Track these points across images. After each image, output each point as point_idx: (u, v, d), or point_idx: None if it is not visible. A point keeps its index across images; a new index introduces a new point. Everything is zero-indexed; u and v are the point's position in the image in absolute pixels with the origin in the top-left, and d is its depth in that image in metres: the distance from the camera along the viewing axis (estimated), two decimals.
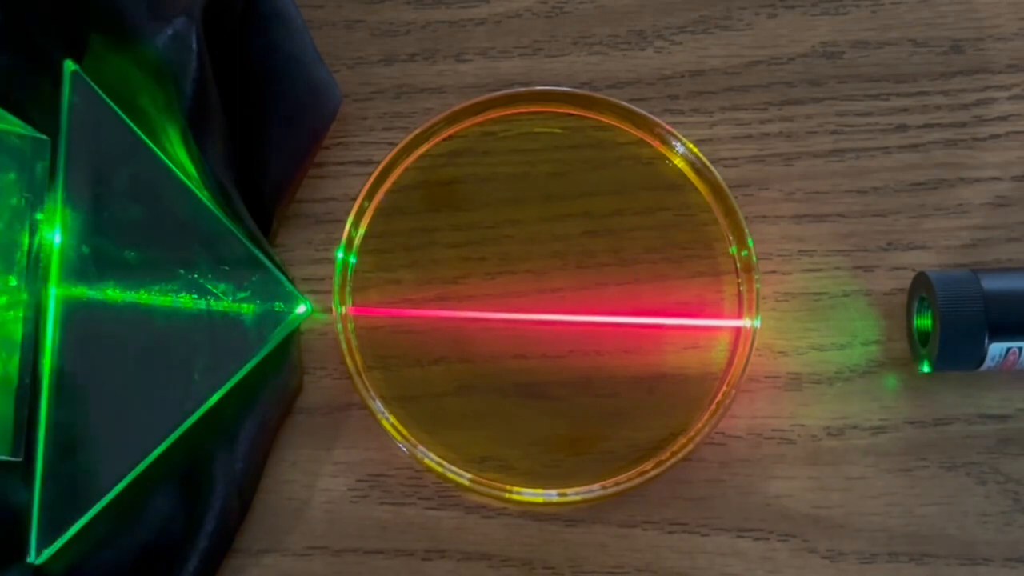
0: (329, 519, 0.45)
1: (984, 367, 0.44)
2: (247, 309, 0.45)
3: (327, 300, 0.46)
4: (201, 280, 0.44)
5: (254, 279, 0.45)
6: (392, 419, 0.44)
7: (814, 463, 0.45)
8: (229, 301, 0.44)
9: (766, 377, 0.46)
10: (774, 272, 0.47)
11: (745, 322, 0.45)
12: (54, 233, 0.44)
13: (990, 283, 0.43)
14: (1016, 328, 0.43)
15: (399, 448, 0.44)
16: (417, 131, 0.46)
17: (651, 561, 0.44)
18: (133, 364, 0.44)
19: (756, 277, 0.45)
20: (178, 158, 0.45)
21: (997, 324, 0.43)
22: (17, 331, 0.44)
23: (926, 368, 0.44)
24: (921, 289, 0.45)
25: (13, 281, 0.44)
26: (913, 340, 0.45)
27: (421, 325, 0.46)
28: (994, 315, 0.43)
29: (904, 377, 0.46)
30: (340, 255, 0.45)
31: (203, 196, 0.45)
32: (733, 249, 0.46)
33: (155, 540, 0.44)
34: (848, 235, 0.47)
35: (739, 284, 0.46)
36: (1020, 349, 0.43)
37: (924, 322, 0.45)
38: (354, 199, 0.46)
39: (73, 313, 0.44)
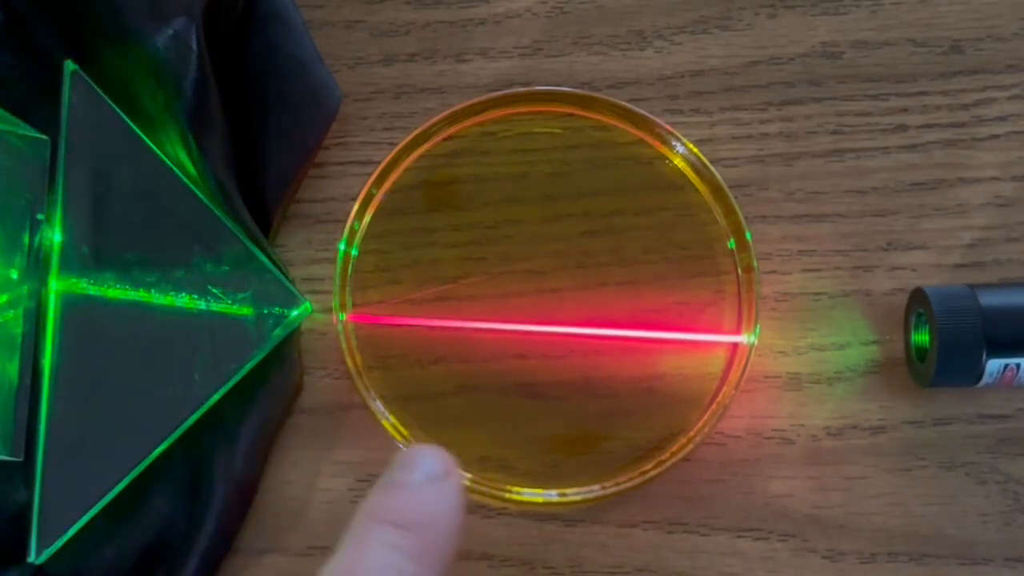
0: (329, 519, 0.45)
1: (982, 383, 0.43)
2: (247, 309, 0.45)
3: (327, 300, 0.46)
4: (201, 280, 0.44)
5: (254, 279, 0.45)
6: (392, 419, 0.44)
7: (814, 463, 0.45)
8: (229, 301, 0.44)
9: (766, 377, 0.46)
10: (774, 272, 0.47)
11: (743, 337, 0.45)
12: (54, 233, 0.44)
13: (988, 299, 0.43)
14: (1014, 344, 0.43)
15: (399, 448, 0.44)
16: (417, 131, 0.46)
17: (651, 561, 0.44)
18: (133, 364, 0.44)
19: (756, 278, 0.45)
20: (178, 158, 0.45)
21: (995, 340, 0.43)
22: (17, 331, 0.44)
23: (924, 384, 0.44)
24: (918, 305, 0.45)
25: (15, 279, 0.44)
26: (911, 356, 0.45)
27: (421, 324, 0.46)
28: (992, 331, 0.43)
29: (903, 377, 0.46)
30: (342, 247, 0.45)
31: (203, 196, 0.45)
32: (732, 244, 0.46)
33: (155, 540, 0.44)
34: (848, 235, 0.47)
35: (739, 285, 0.46)
36: (1018, 365, 0.43)
37: (921, 338, 0.45)
38: (354, 199, 0.46)
39: (73, 313, 0.44)
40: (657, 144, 0.47)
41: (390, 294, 0.46)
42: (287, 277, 0.46)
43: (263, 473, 0.45)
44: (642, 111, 0.47)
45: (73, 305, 0.44)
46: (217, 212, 0.45)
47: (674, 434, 0.44)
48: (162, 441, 0.43)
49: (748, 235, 0.45)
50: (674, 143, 0.47)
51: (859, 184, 0.47)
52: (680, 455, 0.43)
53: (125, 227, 0.45)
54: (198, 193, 0.45)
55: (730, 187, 0.46)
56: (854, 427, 0.45)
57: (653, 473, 0.43)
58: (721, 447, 0.45)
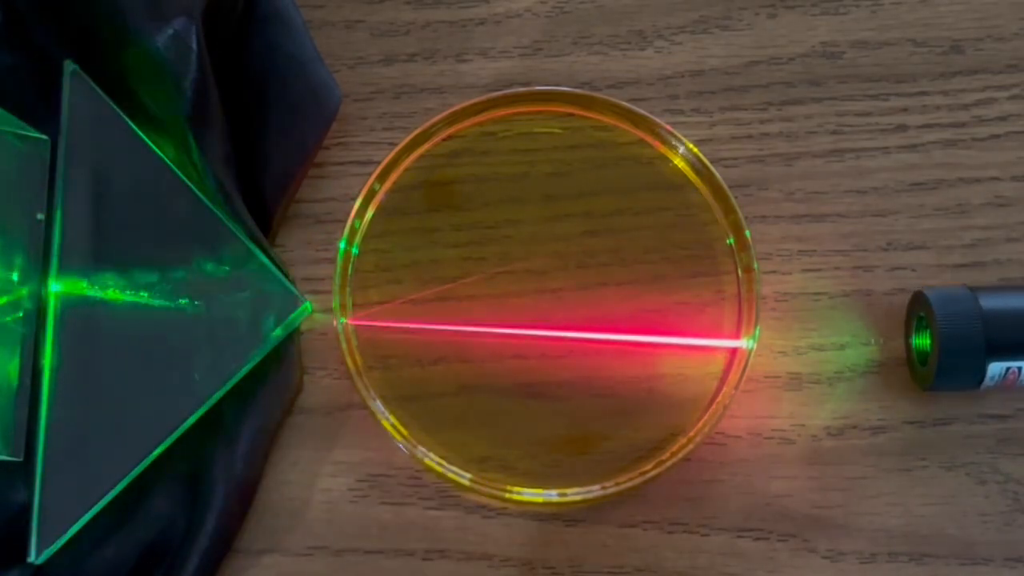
0: (329, 519, 0.45)
1: (983, 386, 0.43)
2: (247, 309, 0.45)
3: (327, 300, 0.46)
4: (201, 280, 0.44)
5: (254, 279, 0.45)
6: (392, 419, 0.44)
7: (814, 463, 0.45)
8: (229, 301, 0.44)
9: (766, 377, 0.46)
10: (774, 272, 0.47)
11: (743, 342, 0.45)
12: (54, 234, 0.44)
13: (988, 302, 0.43)
14: (1015, 347, 0.43)
15: (399, 448, 0.44)
16: (417, 131, 0.46)
17: (651, 561, 0.44)
18: (133, 365, 0.44)
19: (756, 278, 0.45)
20: (178, 158, 0.45)
21: (996, 343, 0.43)
22: (17, 331, 0.44)
23: (925, 387, 0.44)
24: (919, 308, 0.45)
25: (15, 280, 0.44)
26: (911, 358, 0.45)
27: (421, 325, 0.46)
28: (993, 334, 0.43)
29: (903, 377, 0.46)
30: (343, 246, 0.45)
31: (203, 196, 0.45)
32: (731, 242, 0.46)
33: (155, 540, 0.44)
34: (848, 235, 0.47)
35: (739, 285, 0.46)
36: (1020, 368, 0.43)
37: (923, 341, 0.44)
38: (354, 199, 0.46)
39: (73, 313, 0.44)
40: (657, 144, 0.47)
41: (390, 294, 0.46)
42: (287, 277, 0.46)
43: (263, 473, 0.45)
44: (642, 111, 0.47)
45: (72, 305, 0.44)
46: (217, 212, 0.45)
47: (674, 434, 0.44)
48: (162, 441, 0.43)
49: (748, 235, 0.45)
50: (674, 143, 0.47)
51: (859, 184, 0.47)
52: (680, 455, 0.43)
53: (125, 227, 0.45)
54: (198, 193, 0.45)
55: (730, 187, 0.46)
56: (854, 427, 0.45)
57: (653, 473, 0.43)
58: (721, 447, 0.45)
